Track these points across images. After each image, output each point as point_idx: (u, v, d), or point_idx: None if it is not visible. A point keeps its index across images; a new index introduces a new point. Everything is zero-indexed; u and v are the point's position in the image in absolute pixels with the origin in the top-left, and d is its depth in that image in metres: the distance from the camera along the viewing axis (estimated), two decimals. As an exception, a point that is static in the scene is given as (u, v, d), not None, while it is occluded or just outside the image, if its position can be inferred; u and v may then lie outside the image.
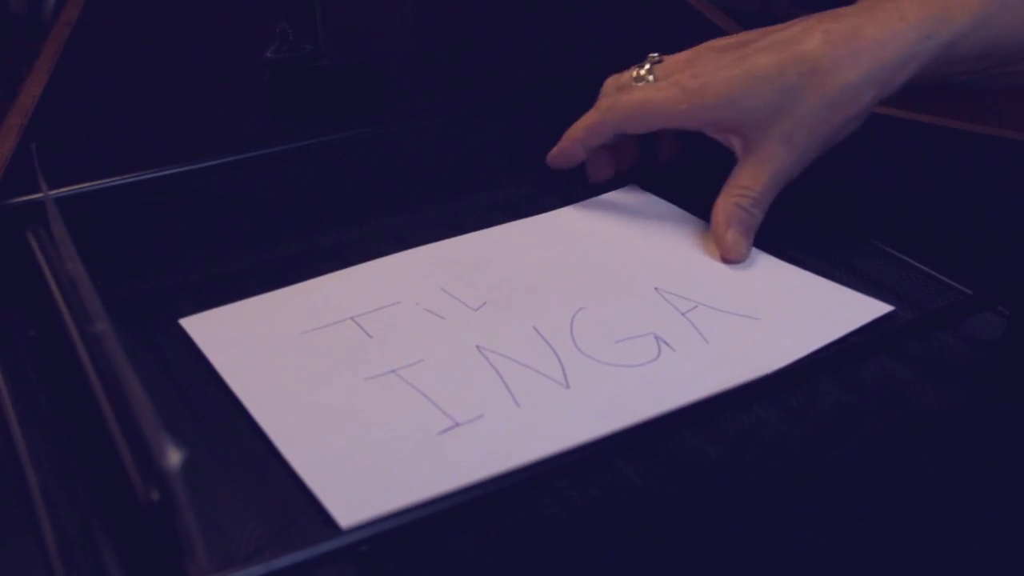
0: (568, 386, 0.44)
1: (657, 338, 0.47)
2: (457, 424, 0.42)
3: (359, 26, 0.84)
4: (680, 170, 0.62)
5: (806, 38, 0.52)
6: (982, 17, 0.52)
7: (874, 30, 0.51)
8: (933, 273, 0.52)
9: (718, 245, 0.54)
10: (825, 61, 0.51)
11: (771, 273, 0.53)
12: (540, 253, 0.55)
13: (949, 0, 0.52)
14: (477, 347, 0.47)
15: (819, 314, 0.49)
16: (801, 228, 0.56)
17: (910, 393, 0.45)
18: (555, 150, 0.60)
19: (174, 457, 0.28)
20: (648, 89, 0.55)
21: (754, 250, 0.54)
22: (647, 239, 0.56)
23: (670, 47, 0.57)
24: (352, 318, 0.49)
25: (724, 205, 0.54)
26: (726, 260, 0.53)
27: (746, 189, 0.53)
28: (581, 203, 0.60)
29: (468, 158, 0.66)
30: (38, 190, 0.44)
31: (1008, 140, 0.67)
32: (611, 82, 0.59)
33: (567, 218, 0.59)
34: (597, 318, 0.49)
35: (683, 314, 0.49)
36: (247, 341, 0.48)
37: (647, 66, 0.57)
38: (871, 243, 0.55)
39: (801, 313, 0.49)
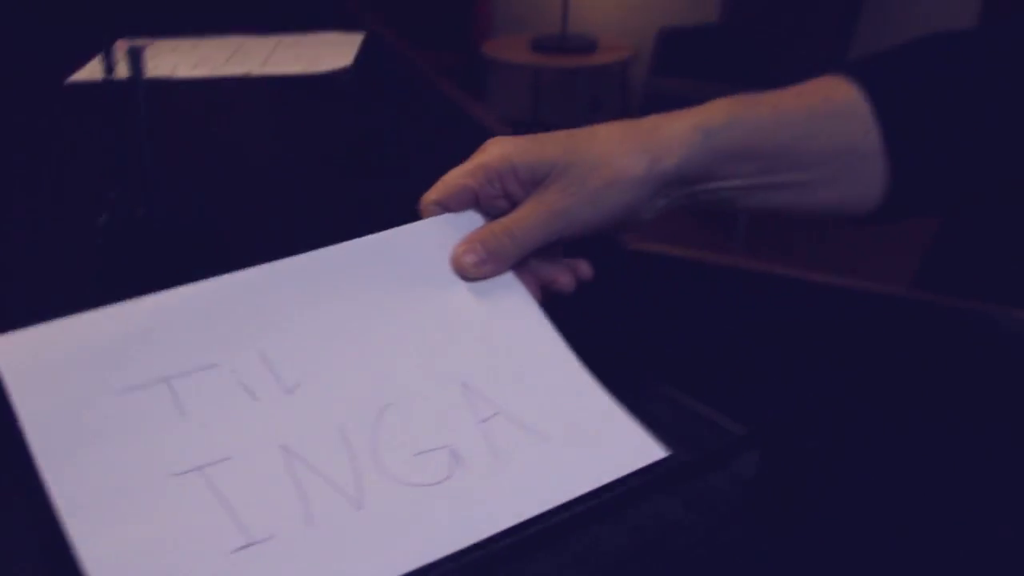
0: (361, 507, 0.44)
1: (452, 452, 0.48)
2: (250, 543, 0.41)
3: (195, 189, 0.85)
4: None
5: (595, 128, 0.58)
6: (734, 114, 0.58)
7: (650, 122, 0.57)
8: (713, 413, 0.54)
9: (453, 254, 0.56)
10: (603, 132, 0.57)
11: (576, 387, 0.53)
12: (368, 303, 0.53)
13: (712, 104, 0.58)
14: (282, 447, 0.46)
15: (605, 448, 0.49)
16: (589, 365, 0.55)
17: (680, 531, 0.46)
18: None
19: None
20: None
21: (572, 356, 0.54)
22: (470, 299, 0.55)
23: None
24: (167, 381, 0.47)
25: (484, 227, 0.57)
26: (456, 268, 0.56)
27: (509, 219, 0.56)
28: (422, 223, 0.58)
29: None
30: None
31: (815, 283, 0.73)
32: None
33: (405, 243, 0.57)
34: (402, 419, 0.49)
35: (481, 422, 0.49)
36: (55, 382, 0.46)
37: None
38: (655, 383, 0.57)
39: (589, 445, 0.49)
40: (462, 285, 0.56)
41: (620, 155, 0.56)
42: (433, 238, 0.57)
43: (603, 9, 4.18)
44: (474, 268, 0.56)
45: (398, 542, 0.43)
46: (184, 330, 0.50)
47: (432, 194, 0.58)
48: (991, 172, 0.61)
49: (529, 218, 0.56)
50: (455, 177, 0.58)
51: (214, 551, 0.41)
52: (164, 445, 0.45)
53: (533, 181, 0.57)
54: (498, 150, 0.57)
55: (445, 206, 0.58)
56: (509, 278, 0.57)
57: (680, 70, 3.66)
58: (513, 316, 0.55)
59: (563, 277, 0.59)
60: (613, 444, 0.49)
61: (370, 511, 0.44)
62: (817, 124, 0.59)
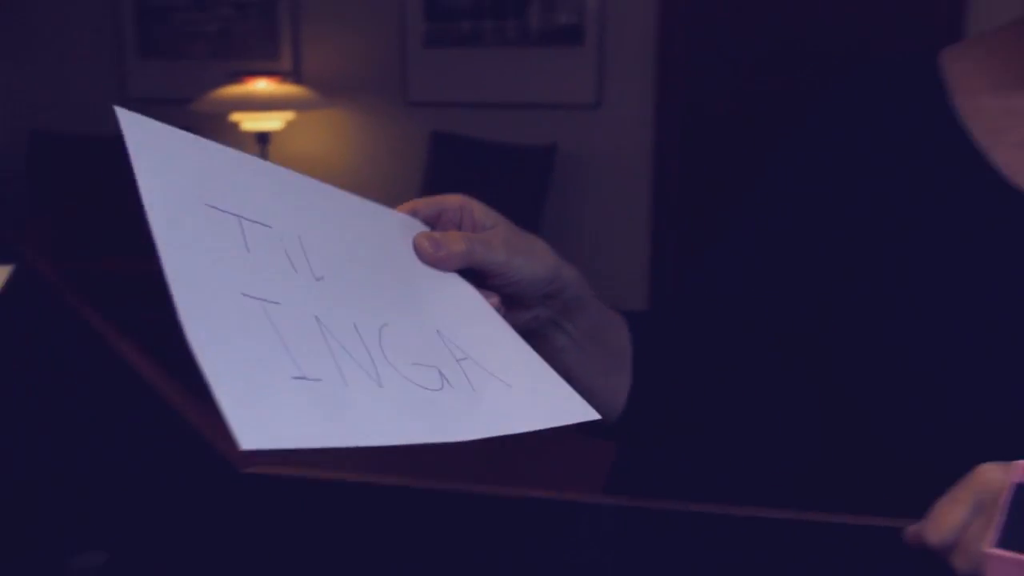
0: (381, 385, 0.51)
1: (440, 373, 0.56)
2: (303, 377, 0.46)
3: None
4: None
5: None
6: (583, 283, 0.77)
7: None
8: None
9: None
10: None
11: (521, 353, 0.64)
12: (381, 245, 0.65)
13: None
14: (315, 316, 0.52)
15: (555, 403, 0.61)
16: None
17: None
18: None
19: None
20: None
21: (511, 331, 0.66)
22: (434, 275, 0.66)
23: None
24: (240, 218, 0.54)
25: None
26: (417, 247, 0.66)
27: (470, 232, 0.69)
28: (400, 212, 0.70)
29: None
30: None
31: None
32: None
33: (388, 217, 0.69)
34: (399, 337, 0.57)
35: (457, 361, 0.58)
36: (166, 161, 0.52)
37: None
38: None
39: (544, 397, 0.61)
40: (434, 280, 0.66)
41: (546, 246, 0.73)
42: (408, 223, 0.69)
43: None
44: (431, 251, 0.65)
45: (412, 420, 0.50)
46: (258, 188, 0.58)
47: (407, 205, 0.70)
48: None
49: (486, 239, 0.67)
50: (430, 199, 0.70)
51: (278, 372, 0.45)
52: (235, 266, 0.50)
53: (484, 226, 0.69)
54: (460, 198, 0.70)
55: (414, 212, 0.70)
56: (457, 278, 0.67)
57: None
58: (465, 297, 0.66)
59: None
60: (561, 402, 0.61)
61: (387, 390, 0.51)
62: (617, 323, 0.82)
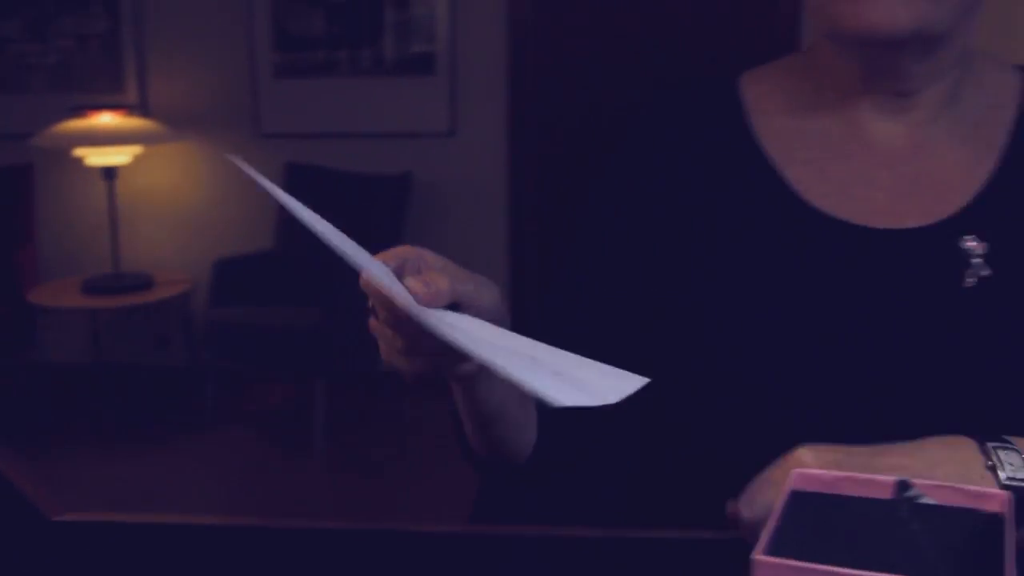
0: (498, 356, 0.62)
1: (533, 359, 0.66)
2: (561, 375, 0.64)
3: None
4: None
5: None
6: None
7: None
8: None
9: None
10: None
11: (544, 348, 0.71)
12: None
13: None
14: (505, 348, 0.67)
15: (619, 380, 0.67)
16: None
17: None
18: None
19: None
20: None
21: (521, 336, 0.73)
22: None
23: None
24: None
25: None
26: (411, 289, 0.68)
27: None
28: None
29: None
30: None
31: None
32: None
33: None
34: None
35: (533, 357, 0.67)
36: None
37: None
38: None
39: (611, 379, 0.67)
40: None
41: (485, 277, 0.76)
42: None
43: (156, 244, 4.14)
44: (425, 290, 0.67)
45: (600, 384, 0.62)
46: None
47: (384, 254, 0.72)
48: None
49: (455, 274, 0.72)
50: (389, 252, 0.72)
51: (544, 373, 0.62)
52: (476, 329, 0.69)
53: (438, 267, 0.72)
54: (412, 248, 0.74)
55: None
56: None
57: (239, 298, 3.68)
58: (472, 320, 0.74)
59: None
60: (614, 377, 0.67)
61: (512, 358, 0.63)
62: None
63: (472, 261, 2.98)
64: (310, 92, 4.02)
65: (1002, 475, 0.70)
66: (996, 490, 0.61)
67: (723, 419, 0.84)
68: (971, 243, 0.82)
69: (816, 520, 0.57)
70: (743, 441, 0.81)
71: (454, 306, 0.71)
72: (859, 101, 0.86)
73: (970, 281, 0.81)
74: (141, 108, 4.08)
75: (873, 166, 0.86)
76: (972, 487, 0.57)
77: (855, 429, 0.76)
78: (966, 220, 0.83)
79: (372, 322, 0.72)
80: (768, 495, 0.66)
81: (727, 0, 3.79)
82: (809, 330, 0.81)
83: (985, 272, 0.82)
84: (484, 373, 0.75)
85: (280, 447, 3.63)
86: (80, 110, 3.79)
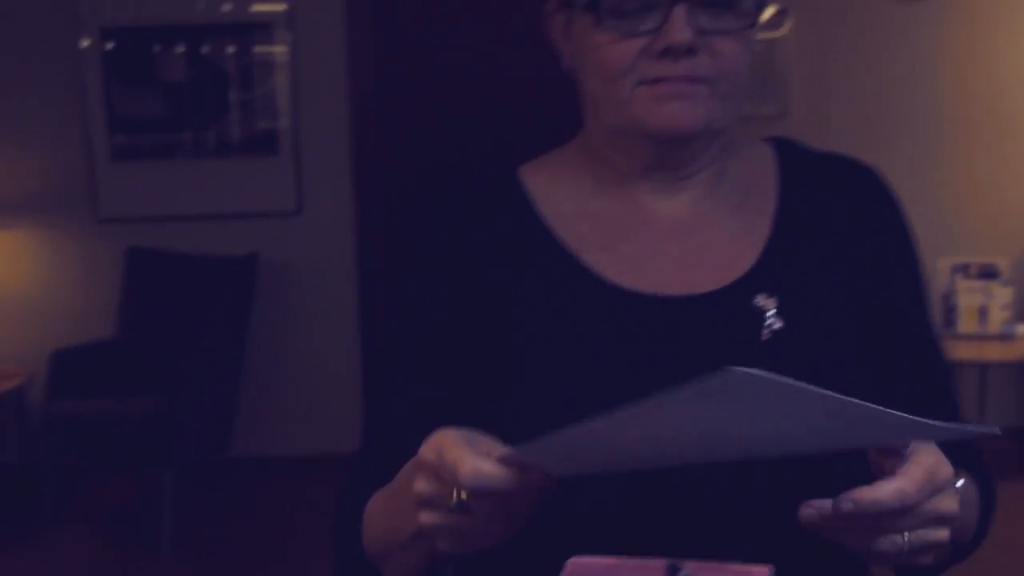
0: None
1: None
2: None
3: None
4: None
5: None
6: None
7: None
8: None
9: None
10: None
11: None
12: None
13: None
14: None
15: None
16: None
17: None
18: None
19: None
20: None
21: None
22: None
23: None
24: None
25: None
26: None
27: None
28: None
29: None
30: None
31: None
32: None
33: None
34: None
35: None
36: None
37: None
38: None
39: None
40: None
41: None
42: None
43: (-11, 336, 3.94)
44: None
45: None
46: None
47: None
48: None
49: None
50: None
51: None
52: None
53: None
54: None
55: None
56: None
57: (79, 389, 3.53)
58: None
59: None
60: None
61: None
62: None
63: (323, 342, 2.99)
64: (151, 174, 3.93)
65: None
66: (760, 567, 0.67)
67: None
68: (762, 300, 0.90)
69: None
70: (568, 509, 0.82)
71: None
72: (639, 184, 0.93)
73: (766, 334, 0.89)
74: (-32, 195, 3.90)
75: (660, 241, 0.93)
76: (737, 565, 0.61)
77: (672, 488, 0.81)
78: (754, 279, 0.91)
79: (434, 517, 0.72)
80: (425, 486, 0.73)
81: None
82: (623, 400, 0.83)
83: (778, 325, 0.89)
84: None
85: (126, 546, 3.46)
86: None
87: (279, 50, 3.87)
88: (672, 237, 0.93)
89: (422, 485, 0.71)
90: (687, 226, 0.93)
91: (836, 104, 4.01)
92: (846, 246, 0.95)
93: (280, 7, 3.85)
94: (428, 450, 0.71)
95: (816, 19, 3.96)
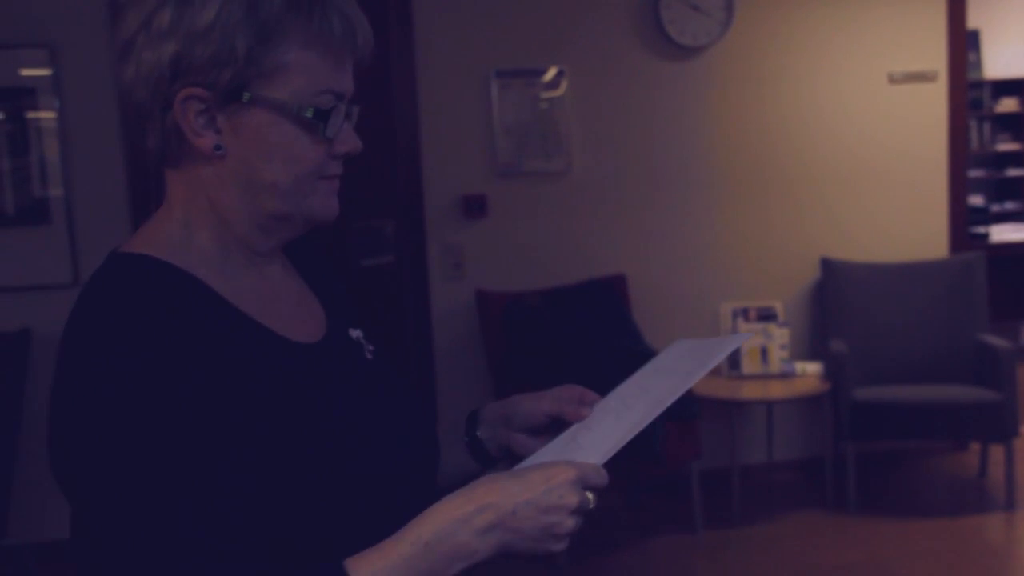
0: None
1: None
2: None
3: None
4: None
5: None
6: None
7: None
8: None
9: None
10: None
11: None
12: None
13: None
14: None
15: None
16: None
17: None
18: None
19: None
20: None
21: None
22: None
23: None
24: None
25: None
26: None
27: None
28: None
29: None
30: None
31: None
32: None
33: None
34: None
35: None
36: None
37: None
38: None
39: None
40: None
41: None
42: None
43: None
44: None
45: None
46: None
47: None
48: None
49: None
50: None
51: None
52: None
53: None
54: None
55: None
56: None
57: None
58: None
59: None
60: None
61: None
62: None
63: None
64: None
65: None
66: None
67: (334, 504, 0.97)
68: (355, 333, 1.14)
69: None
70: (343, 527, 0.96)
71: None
72: (263, 260, 1.06)
73: (369, 355, 1.13)
74: None
75: (287, 304, 1.08)
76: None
77: (397, 487, 1.01)
78: (337, 321, 1.13)
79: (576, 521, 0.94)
80: None
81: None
82: (362, 413, 1.05)
83: (371, 347, 1.15)
84: None
85: None
86: None
87: (47, 116, 3.69)
88: (289, 299, 1.09)
89: (574, 498, 0.92)
90: (289, 289, 1.10)
91: (613, 159, 4.17)
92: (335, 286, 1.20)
93: (44, 72, 3.67)
94: (563, 469, 0.93)
95: (590, 79, 4.11)
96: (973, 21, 7.37)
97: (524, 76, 4.02)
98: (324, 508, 0.94)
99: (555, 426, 1.11)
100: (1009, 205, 7.32)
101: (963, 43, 4.46)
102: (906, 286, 4.25)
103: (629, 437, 0.99)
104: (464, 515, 0.89)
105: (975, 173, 7.44)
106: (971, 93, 6.55)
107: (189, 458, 0.87)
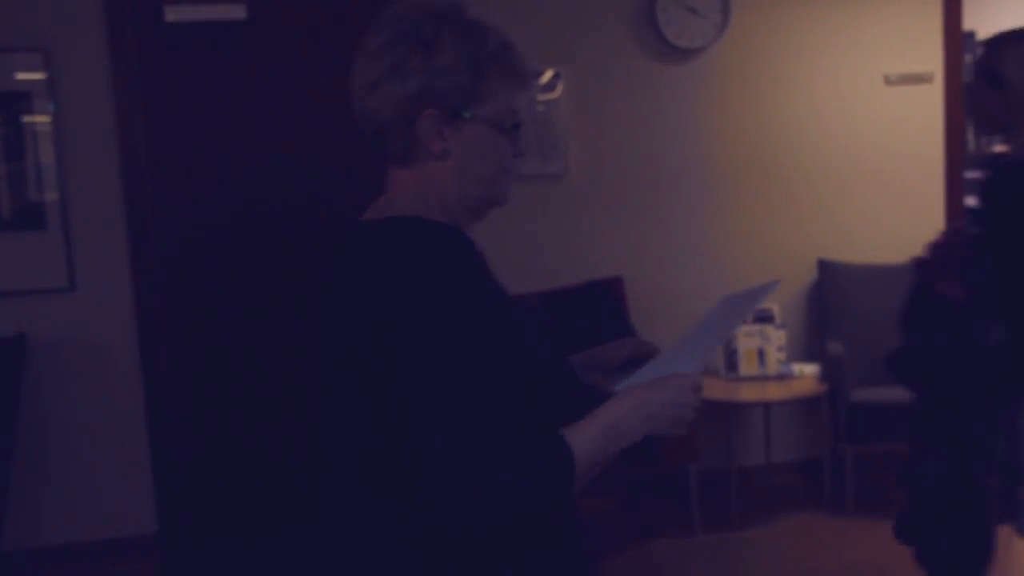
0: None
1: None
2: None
3: None
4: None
5: None
6: None
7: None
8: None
9: None
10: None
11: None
12: None
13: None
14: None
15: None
16: None
17: None
18: None
19: None
20: None
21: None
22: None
23: None
24: None
25: None
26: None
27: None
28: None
29: None
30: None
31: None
32: None
33: None
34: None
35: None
36: None
37: None
38: None
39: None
40: None
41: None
42: None
43: None
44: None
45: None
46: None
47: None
48: None
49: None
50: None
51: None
52: None
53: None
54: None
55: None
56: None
57: None
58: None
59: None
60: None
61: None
62: None
63: (104, 423, 2.81)
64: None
65: None
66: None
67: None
68: None
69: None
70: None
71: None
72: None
73: None
74: None
75: None
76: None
77: None
78: None
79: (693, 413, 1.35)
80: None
81: (344, 122, 3.89)
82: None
83: None
84: None
85: None
86: None
87: (42, 120, 3.68)
88: None
89: (691, 395, 1.33)
90: None
91: (610, 162, 4.17)
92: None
93: (39, 75, 3.66)
94: (682, 376, 1.35)
95: (586, 81, 4.11)
96: (969, 23, 7.38)
97: (520, 79, 4.01)
98: (541, 391, 1.31)
99: (628, 366, 1.52)
100: (1005, 206, 7.30)
101: (959, 45, 4.47)
102: (903, 287, 4.25)
103: (710, 353, 1.47)
104: (632, 407, 1.31)
105: (971, 174, 7.44)
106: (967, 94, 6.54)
107: (498, 356, 1.25)
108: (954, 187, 4.47)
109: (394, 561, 1.29)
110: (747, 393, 3.98)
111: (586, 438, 1.27)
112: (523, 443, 1.22)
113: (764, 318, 4.17)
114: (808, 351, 4.36)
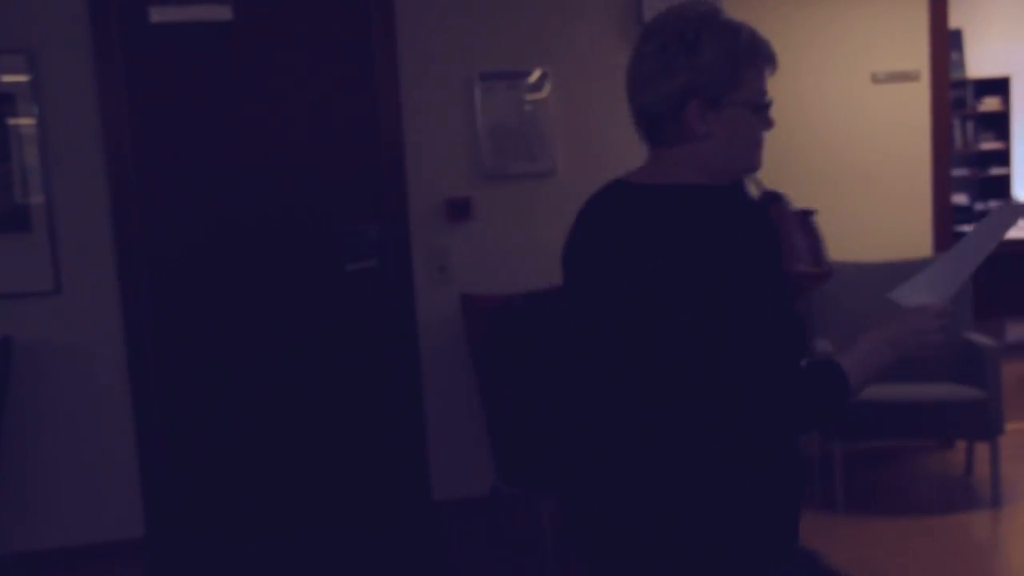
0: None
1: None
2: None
3: None
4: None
5: None
6: None
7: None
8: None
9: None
10: None
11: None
12: None
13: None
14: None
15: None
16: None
17: None
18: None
19: None
20: None
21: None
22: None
23: None
24: None
25: None
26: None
27: None
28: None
29: None
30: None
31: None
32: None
33: None
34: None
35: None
36: None
37: None
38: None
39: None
40: None
41: None
42: None
43: None
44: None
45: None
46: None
47: None
48: None
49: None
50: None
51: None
52: None
53: None
54: None
55: None
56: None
57: None
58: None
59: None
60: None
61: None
62: None
63: (90, 427, 2.80)
64: None
65: None
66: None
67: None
68: None
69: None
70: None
71: None
72: None
73: None
74: None
75: None
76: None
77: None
78: None
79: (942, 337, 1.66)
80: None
81: (331, 123, 3.88)
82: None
83: None
84: None
85: None
86: None
87: (27, 122, 3.66)
88: None
89: (937, 322, 1.65)
90: None
91: (598, 161, 4.16)
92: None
93: (23, 78, 3.64)
94: (931, 306, 1.67)
95: (574, 81, 4.10)
96: (955, 21, 7.42)
97: (508, 78, 4.01)
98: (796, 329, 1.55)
99: None
100: (992, 203, 7.35)
101: (945, 43, 4.48)
102: (891, 285, 4.25)
103: (959, 284, 1.70)
104: (881, 338, 1.62)
105: (959, 172, 7.47)
106: (954, 92, 6.57)
107: (791, 299, 1.52)
108: (941, 185, 4.48)
109: (707, 465, 1.52)
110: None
111: (851, 364, 1.56)
112: (811, 367, 1.52)
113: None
114: (797, 349, 4.35)
